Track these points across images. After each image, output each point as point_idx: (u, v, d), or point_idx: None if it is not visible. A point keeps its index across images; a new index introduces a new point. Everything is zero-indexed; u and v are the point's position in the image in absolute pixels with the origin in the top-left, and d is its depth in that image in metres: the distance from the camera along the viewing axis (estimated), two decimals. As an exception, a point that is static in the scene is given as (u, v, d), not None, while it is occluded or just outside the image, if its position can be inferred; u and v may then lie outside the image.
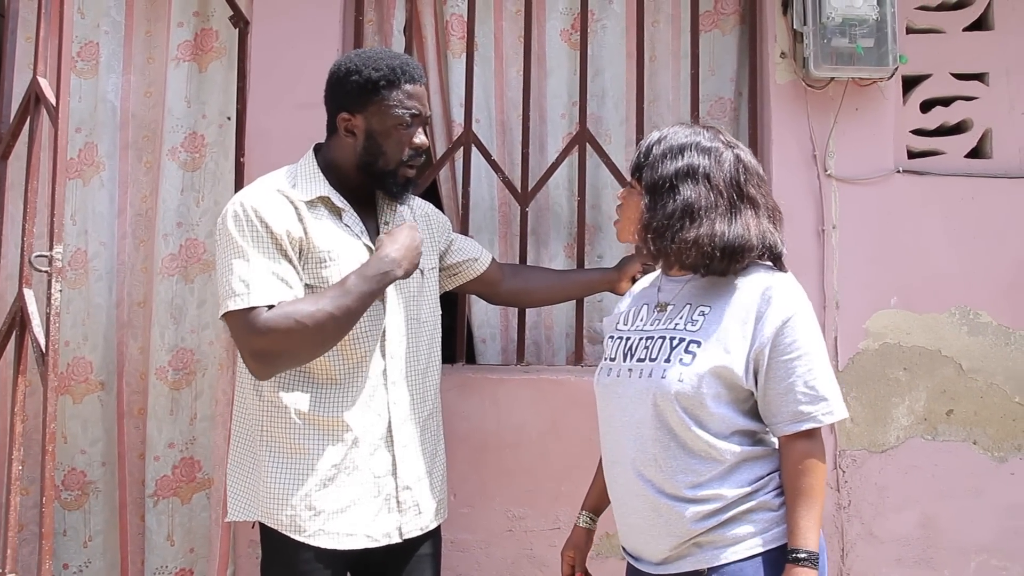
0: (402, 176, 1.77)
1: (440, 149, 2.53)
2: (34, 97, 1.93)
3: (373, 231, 1.79)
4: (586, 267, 2.43)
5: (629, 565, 1.61)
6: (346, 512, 1.69)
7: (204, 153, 2.56)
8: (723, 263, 1.49)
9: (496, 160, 2.46)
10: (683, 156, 1.52)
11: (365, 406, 1.72)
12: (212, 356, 2.51)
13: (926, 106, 2.48)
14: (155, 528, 2.51)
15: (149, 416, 2.52)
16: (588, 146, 2.43)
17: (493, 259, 2.07)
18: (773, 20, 2.43)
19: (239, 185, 2.39)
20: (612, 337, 1.65)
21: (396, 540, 1.75)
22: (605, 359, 1.65)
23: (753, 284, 1.51)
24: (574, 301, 2.40)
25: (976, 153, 2.48)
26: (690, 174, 1.50)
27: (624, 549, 1.62)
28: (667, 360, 1.49)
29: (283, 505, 1.66)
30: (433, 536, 1.85)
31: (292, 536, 1.67)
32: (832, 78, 2.37)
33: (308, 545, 1.67)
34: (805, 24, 2.34)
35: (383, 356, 1.75)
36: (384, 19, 2.56)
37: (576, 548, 1.78)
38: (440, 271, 1.96)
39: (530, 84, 2.47)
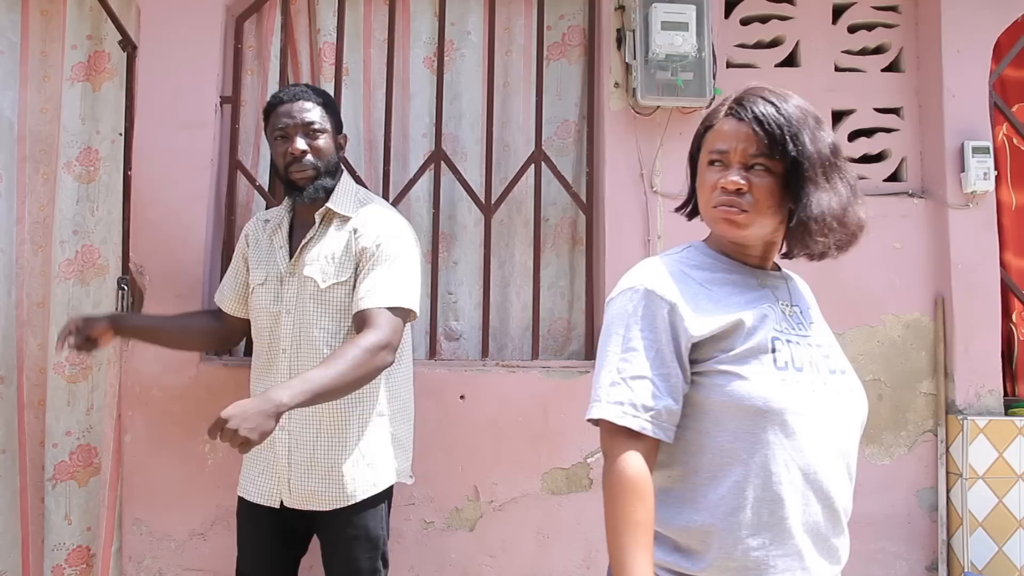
0: (292, 181, 2.17)
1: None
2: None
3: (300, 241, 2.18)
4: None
5: None
6: (245, 467, 2.21)
7: (98, 167, 2.76)
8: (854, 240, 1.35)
9: (362, 175, 2.74)
10: (823, 125, 1.34)
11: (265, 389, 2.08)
12: (105, 353, 2.73)
13: (741, 131, 2.82)
14: (54, 509, 2.71)
15: (48, 407, 2.72)
16: (443, 164, 2.73)
17: (367, 312, 2.03)
18: (609, 53, 2.74)
19: (127, 197, 2.63)
20: (779, 340, 1.31)
21: (273, 505, 2.12)
22: (780, 368, 1.28)
23: (805, 285, 1.48)
24: (428, 301, 2.72)
25: (783, 173, 2.83)
26: (837, 147, 1.34)
27: None
28: (852, 370, 1.39)
29: None
30: (343, 518, 2.08)
31: None
32: (658, 106, 2.70)
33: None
34: (635, 58, 2.66)
35: (277, 350, 2.14)
36: (263, 45, 2.81)
37: None
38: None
39: (393, 106, 2.76)
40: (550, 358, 2.79)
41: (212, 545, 2.52)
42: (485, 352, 2.72)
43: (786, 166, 1.28)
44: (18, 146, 2.79)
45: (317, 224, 2.17)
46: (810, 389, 1.28)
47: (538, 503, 2.62)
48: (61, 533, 2.73)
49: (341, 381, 1.89)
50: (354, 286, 2.09)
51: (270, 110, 2.21)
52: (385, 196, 2.72)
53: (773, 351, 1.28)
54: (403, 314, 2.07)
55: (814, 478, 1.27)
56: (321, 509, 2.10)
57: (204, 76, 2.66)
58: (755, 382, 1.26)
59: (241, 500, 2.20)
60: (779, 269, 1.44)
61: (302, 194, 2.16)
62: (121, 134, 2.73)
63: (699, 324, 1.29)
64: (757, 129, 1.29)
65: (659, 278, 1.32)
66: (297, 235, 2.21)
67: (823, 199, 1.28)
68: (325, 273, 2.11)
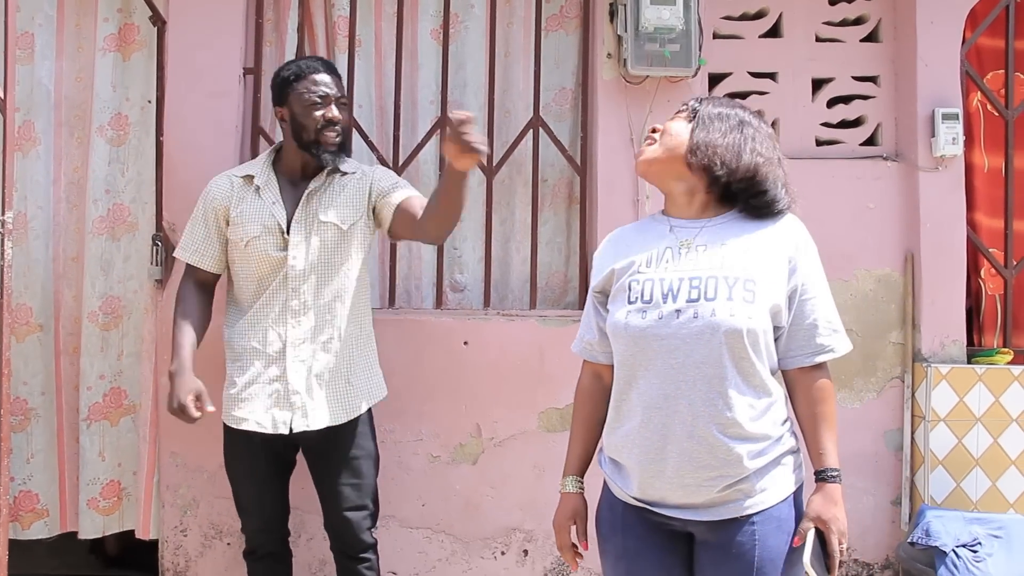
0: (323, 143, 2.34)
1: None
2: (-19, 90, 2.36)
3: (293, 201, 2.36)
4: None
5: (627, 510, 1.65)
6: (243, 403, 2.33)
7: (128, 131, 2.95)
8: (766, 198, 1.61)
9: (375, 140, 2.96)
10: (736, 112, 1.66)
11: (267, 328, 2.32)
12: (137, 303, 2.93)
13: (727, 99, 3.03)
14: (88, 447, 2.91)
15: (82, 353, 2.92)
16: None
17: (412, 198, 2.36)
18: (602, 26, 2.94)
19: (159, 159, 2.85)
20: (636, 280, 1.62)
21: (284, 432, 2.31)
22: (629, 302, 1.61)
23: (780, 227, 1.63)
24: (435, 256, 2.95)
25: (765, 138, 3.04)
26: (744, 122, 1.64)
27: (634, 496, 1.63)
28: (729, 299, 1.53)
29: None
30: (343, 432, 2.35)
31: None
32: (647, 76, 2.89)
33: (227, 426, 2.39)
34: (626, 31, 2.85)
35: (286, 290, 2.32)
36: (280, 19, 3.01)
37: (579, 516, 1.75)
38: (374, 218, 2.42)
39: (402, 76, 2.97)
40: (547, 308, 3.02)
41: (237, 476, 2.75)
42: (487, 302, 2.96)
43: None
44: (54, 112, 2.98)
45: (324, 178, 2.38)
46: (655, 316, 1.58)
47: (534, 439, 2.86)
48: (96, 469, 2.93)
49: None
50: (372, 216, 2.40)
51: (302, 76, 2.35)
52: (395, 159, 2.95)
53: (629, 290, 1.63)
54: None
55: (654, 387, 1.58)
56: (336, 424, 2.33)
57: (228, 48, 2.85)
58: (614, 314, 1.65)
59: (237, 438, 2.37)
60: (720, 216, 1.66)
61: (326, 155, 2.34)
62: (150, 101, 2.93)
63: (595, 277, 1.76)
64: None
65: (600, 246, 1.81)
66: (287, 192, 2.39)
67: (709, 135, 1.63)
68: (344, 217, 2.37)
